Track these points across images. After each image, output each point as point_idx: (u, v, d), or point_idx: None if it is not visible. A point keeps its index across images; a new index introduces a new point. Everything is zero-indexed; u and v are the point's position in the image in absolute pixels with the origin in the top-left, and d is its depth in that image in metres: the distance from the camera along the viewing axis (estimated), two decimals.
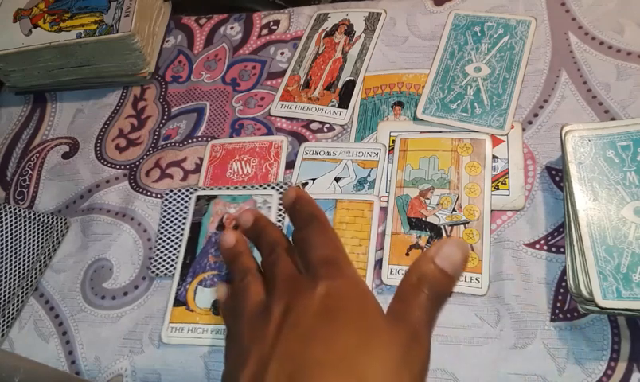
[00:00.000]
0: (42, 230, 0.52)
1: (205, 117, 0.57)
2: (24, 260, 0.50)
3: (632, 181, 0.40)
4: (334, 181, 0.49)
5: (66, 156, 0.59)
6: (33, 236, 0.52)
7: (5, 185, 0.58)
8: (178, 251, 0.49)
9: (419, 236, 0.45)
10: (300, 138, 0.53)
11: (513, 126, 0.48)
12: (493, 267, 0.43)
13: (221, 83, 0.59)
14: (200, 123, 0.57)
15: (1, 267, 0.50)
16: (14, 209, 0.53)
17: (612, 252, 0.38)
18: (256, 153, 0.53)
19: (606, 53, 0.50)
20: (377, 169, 0.49)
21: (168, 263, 0.49)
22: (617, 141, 0.42)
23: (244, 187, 0.51)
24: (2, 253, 0.51)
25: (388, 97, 0.53)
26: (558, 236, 0.43)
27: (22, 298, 0.49)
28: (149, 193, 0.53)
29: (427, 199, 0.46)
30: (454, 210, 0.45)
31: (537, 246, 0.43)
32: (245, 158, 0.53)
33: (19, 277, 0.50)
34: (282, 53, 0.60)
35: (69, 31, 0.58)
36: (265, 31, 0.62)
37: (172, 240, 0.50)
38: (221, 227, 0.49)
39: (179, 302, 0.46)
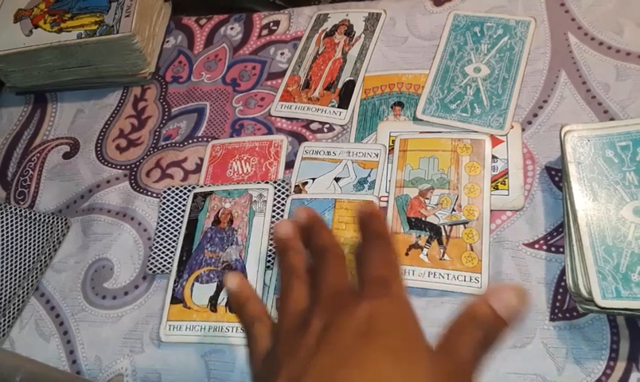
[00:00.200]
0: (43, 230, 0.52)
1: (206, 117, 0.57)
2: (25, 260, 0.51)
3: (631, 181, 0.40)
4: (334, 181, 0.49)
5: (67, 156, 0.59)
6: (34, 236, 0.52)
7: (5, 185, 0.58)
8: (175, 248, 0.49)
9: (419, 236, 0.45)
10: (300, 138, 0.53)
11: (512, 127, 0.48)
12: (492, 266, 0.43)
13: (221, 84, 0.59)
14: (201, 123, 0.57)
15: (3, 266, 0.50)
16: (15, 209, 0.53)
17: (611, 252, 0.38)
18: (256, 152, 0.53)
19: (605, 53, 0.50)
20: (377, 170, 0.49)
21: (166, 260, 0.49)
22: (616, 141, 0.42)
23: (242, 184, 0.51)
24: (3, 253, 0.51)
25: (387, 97, 0.53)
26: (557, 236, 0.43)
27: (23, 297, 0.50)
28: (149, 193, 0.54)
29: (427, 199, 0.46)
30: (453, 210, 0.45)
31: (537, 246, 0.43)
32: (245, 157, 0.53)
33: (20, 277, 0.50)
34: (282, 54, 0.60)
35: (70, 31, 0.58)
36: (265, 31, 0.62)
37: (170, 238, 0.50)
38: (217, 222, 0.49)
39: (176, 299, 0.46)
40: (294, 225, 0.40)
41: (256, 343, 0.36)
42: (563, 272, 0.41)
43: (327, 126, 0.53)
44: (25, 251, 0.51)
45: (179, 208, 0.51)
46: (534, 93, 0.50)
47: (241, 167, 0.53)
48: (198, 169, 0.54)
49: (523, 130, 0.48)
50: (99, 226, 0.53)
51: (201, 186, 0.52)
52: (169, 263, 0.48)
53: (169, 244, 0.49)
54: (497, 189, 0.46)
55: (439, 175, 0.47)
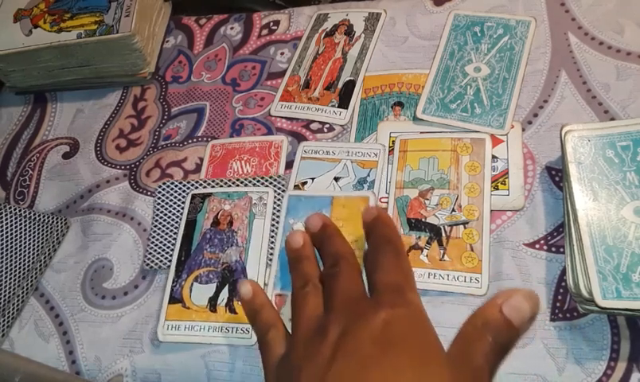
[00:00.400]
0: (42, 230, 0.52)
1: (205, 117, 0.57)
2: (24, 260, 0.50)
3: (632, 181, 0.40)
4: (334, 181, 0.49)
5: (66, 156, 0.59)
6: (34, 236, 0.52)
7: (5, 185, 0.58)
8: (172, 244, 0.49)
9: (419, 237, 0.45)
10: (300, 138, 0.53)
11: (512, 126, 0.48)
12: (492, 267, 0.43)
13: (221, 84, 0.59)
14: (201, 123, 0.57)
15: (2, 266, 0.50)
16: (15, 209, 0.53)
17: (612, 252, 0.38)
18: (256, 152, 0.53)
19: (605, 53, 0.50)
20: (377, 170, 0.49)
21: (162, 255, 0.49)
22: (617, 141, 0.42)
23: (241, 181, 0.51)
24: (3, 253, 0.51)
25: (387, 97, 0.53)
26: (558, 236, 0.43)
27: (23, 297, 0.50)
28: (149, 193, 0.53)
29: (427, 199, 0.46)
30: (453, 210, 0.45)
31: (537, 246, 0.43)
32: (245, 158, 0.53)
33: (19, 277, 0.50)
34: (282, 53, 0.60)
35: (69, 31, 0.58)
36: (265, 31, 0.62)
37: (165, 233, 0.50)
38: (216, 223, 0.49)
39: (174, 299, 0.46)
40: (306, 234, 0.40)
41: (271, 349, 0.36)
42: (563, 272, 0.41)
43: (327, 126, 0.53)
44: (25, 251, 0.51)
45: (176, 204, 0.51)
46: (534, 93, 0.50)
47: (241, 167, 0.53)
48: (198, 169, 0.54)
49: (523, 129, 0.48)
50: (98, 226, 0.53)
51: (197, 182, 0.52)
52: (166, 259, 0.48)
53: (166, 240, 0.49)
54: (498, 189, 0.46)
55: (438, 175, 0.47)
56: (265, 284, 0.46)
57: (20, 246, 0.51)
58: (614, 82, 0.48)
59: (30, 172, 0.58)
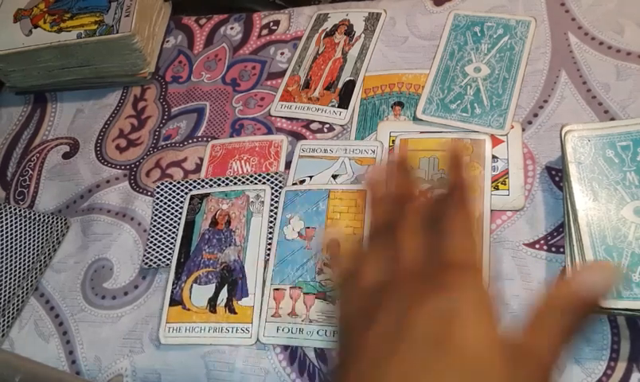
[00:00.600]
0: (42, 230, 0.52)
1: (205, 117, 0.57)
2: (24, 260, 0.50)
3: (632, 181, 0.40)
4: (331, 178, 0.50)
5: (66, 156, 0.59)
6: (34, 236, 0.52)
7: (5, 185, 0.58)
8: (172, 243, 0.49)
9: None
10: (300, 138, 0.53)
11: (512, 126, 0.48)
12: (492, 266, 0.43)
13: (221, 84, 0.59)
14: (201, 123, 0.57)
15: (2, 266, 0.50)
16: (15, 209, 0.53)
17: (612, 252, 0.38)
18: (256, 152, 0.53)
19: (605, 53, 0.50)
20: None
21: (161, 254, 0.49)
22: (617, 141, 0.42)
23: (238, 179, 0.51)
24: (3, 253, 0.51)
25: (387, 97, 0.53)
26: (558, 236, 0.43)
27: (23, 297, 0.50)
28: (149, 193, 0.53)
29: None
30: None
31: (537, 246, 0.43)
32: (245, 157, 0.53)
33: (19, 277, 0.50)
34: (282, 53, 0.60)
35: (69, 31, 0.58)
36: (265, 31, 0.62)
37: (164, 232, 0.50)
38: (214, 223, 0.49)
39: (175, 301, 0.46)
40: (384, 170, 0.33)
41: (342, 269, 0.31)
42: (563, 272, 0.41)
43: (327, 126, 0.53)
44: (25, 251, 0.51)
45: (174, 204, 0.51)
46: (534, 93, 0.50)
47: (241, 167, 0.53)
48: (198, 168, 0.54)
49: (523, 130, 0.48)
50: (98, 226, 0.53)
51: (194, 181, 0.52)
52: (165, 257, 0.48)
53: (165, 239, 0.49)
54: (498, 189, 0.46)
55: (439, 175, 0.47)
56: (263, 281, 0.46)
57: (20, 246, 0.51)
58: (614, 82, 0.48)
59: (30, 172, 0.58)
